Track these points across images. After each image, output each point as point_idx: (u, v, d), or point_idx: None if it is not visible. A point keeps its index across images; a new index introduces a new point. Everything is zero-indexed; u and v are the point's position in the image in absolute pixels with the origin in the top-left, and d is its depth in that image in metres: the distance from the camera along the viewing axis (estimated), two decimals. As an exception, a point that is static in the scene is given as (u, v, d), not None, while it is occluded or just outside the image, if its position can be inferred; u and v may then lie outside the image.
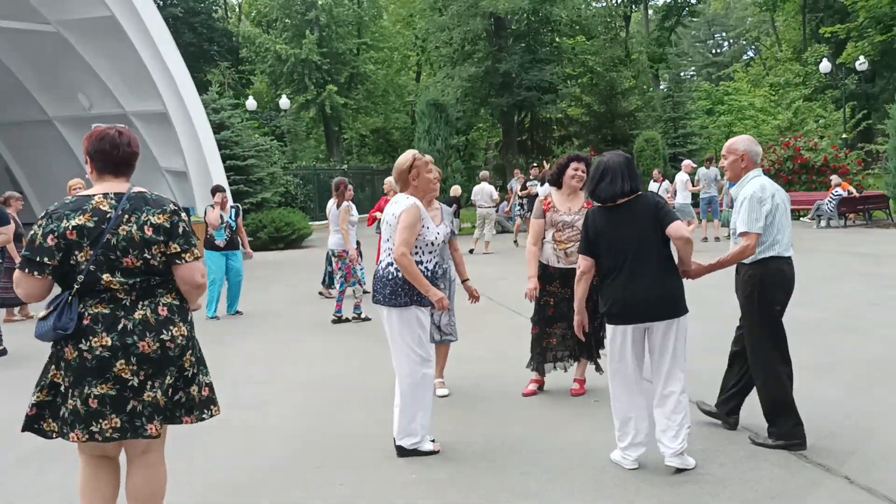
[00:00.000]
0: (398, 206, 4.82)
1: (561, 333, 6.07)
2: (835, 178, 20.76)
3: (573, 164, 6.09)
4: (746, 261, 4.72)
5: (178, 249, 3.27)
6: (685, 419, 4.42)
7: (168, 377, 3.27)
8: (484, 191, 18.36)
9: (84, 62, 19.28)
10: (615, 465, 4.60)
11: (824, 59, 32.26)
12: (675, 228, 4.39)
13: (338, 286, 10.06)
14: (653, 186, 17.90)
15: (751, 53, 60.46)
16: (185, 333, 3.32)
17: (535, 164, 21.58)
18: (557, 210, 6.04)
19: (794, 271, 4.82)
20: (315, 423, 5.69)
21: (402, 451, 4.83)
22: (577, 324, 4.90)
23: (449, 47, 30.67)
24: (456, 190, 20.15)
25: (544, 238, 6.04)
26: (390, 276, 4.76)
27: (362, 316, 9.82)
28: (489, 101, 29.59)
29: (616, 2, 37.20)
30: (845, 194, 20.18)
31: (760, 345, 4.79)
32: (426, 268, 4.85)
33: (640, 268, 4.40)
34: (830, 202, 20.10)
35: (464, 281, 5.99)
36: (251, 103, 34.02)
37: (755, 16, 54.18)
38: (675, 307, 4.43)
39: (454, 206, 19.40)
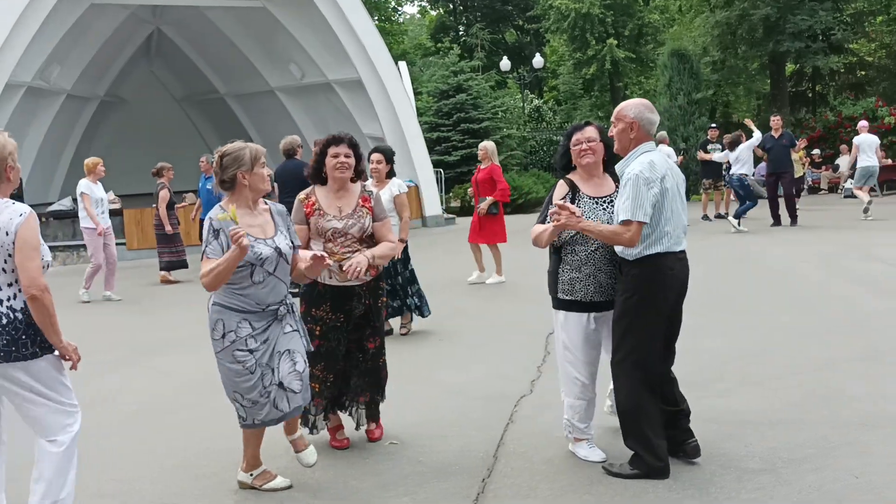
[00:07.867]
0: (6, 213, 3.31)
1: (322, 377, 4.49)
2: None
3: (331, 150, 4.46)
4: (629, 257, 3.98)
5: None
6: None
7: None
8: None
9: (290, 35, 20.11)
10: None
11: None
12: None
13: None
14: None
15: None
16: None
17: (712, 125, 17.92)
18: (324, 213, 4.46)
19: (688, 268, 4.12)
20: None
21: None
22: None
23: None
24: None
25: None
26: (5, 320, 3.30)
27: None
28: (740, 52, 25.43)
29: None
30: None
31: None
32: None
33: None
34: None
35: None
36: (505, 63, 33.34)
37: None
38: None
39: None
